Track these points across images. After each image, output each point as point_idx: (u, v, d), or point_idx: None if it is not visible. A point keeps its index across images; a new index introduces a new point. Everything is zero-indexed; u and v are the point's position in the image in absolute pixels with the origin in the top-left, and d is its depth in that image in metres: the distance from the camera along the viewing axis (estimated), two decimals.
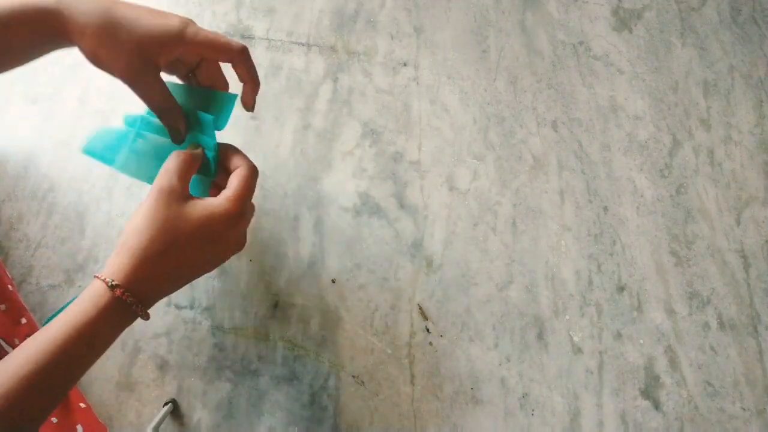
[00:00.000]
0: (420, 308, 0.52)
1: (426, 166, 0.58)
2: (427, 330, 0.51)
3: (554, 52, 0.65)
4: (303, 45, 0.64)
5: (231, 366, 0.49)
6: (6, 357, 0.29)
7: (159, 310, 0.50)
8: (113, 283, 0.31)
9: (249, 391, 0.48)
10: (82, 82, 0.61)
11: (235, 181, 0.35)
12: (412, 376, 0.49)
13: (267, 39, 0.64)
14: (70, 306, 0.31)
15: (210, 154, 0.37)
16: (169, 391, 0.48)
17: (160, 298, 0.34)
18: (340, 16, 0.65)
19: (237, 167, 0.36)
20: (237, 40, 0.38)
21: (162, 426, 0.46)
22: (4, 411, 0.27)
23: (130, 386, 0.48)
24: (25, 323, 0.47)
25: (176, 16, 0.35)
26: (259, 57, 0.63)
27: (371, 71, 0.63)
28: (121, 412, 0.47)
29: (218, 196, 0.34)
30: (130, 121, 0.41)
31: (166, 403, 0.47)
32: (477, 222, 0.56)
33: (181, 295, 0.51)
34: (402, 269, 0.53)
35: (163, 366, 0.49)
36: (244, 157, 0.37)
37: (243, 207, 0.35)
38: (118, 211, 0.54)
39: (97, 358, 0.32)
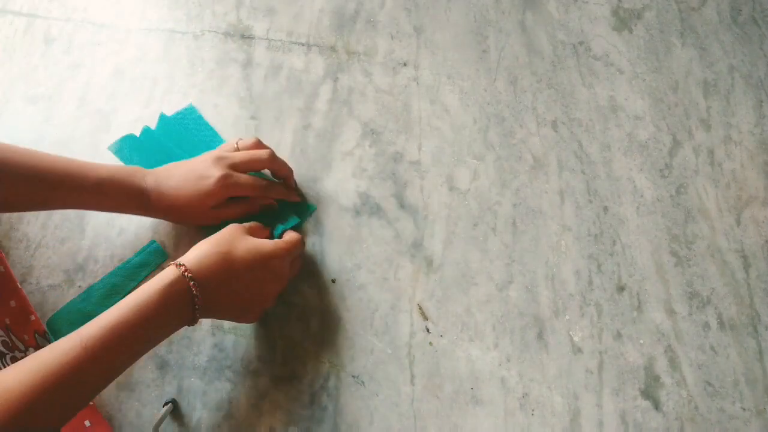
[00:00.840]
0: (420, 308, 0.52)
1: (426, 166, 0.58)
2: (427, 330, 0.51)
3: (554, 52, 0.65)
4: (303, 45, 0.64)
5: (231, 366, 0.49)
6: (83, 327, 0.36)
7: None
8: (180, 263, 0.40)
9: (249, 391, 0.48)
10: (82, 82, 0.61)
11: (287, 234, 0.50)
12: (412, 376, 0.49)
13: (267, 39, 0.64)
14: (141, 287, 0.38)
15: (276, 234, 0.52)
16: (169, 391, 0.48)
17: (211, 296, 0.41)
18: (340, 16, 0.65)
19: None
20: (263, 150, 0.50)
21: (162, 426, 0.46)
22: (100, 353, 0.35)
23: (130, 386, 0.48)
24: (33, 320, 0.47)
25: (216, 169, 0.47)
26: (259, 57, 0.63)
27: (371, 71, 0.63)
28: (121, 412, 0.47)
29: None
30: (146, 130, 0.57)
31: (166, 403, 0.47)
32: (477, 222, 0.56)
33: None
34: (402, 269, 0.53)
35: (163, 366, 0.49)
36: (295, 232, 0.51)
37: (290, 247, 0.47)
38: None
39: (154, 334, 0.40)
